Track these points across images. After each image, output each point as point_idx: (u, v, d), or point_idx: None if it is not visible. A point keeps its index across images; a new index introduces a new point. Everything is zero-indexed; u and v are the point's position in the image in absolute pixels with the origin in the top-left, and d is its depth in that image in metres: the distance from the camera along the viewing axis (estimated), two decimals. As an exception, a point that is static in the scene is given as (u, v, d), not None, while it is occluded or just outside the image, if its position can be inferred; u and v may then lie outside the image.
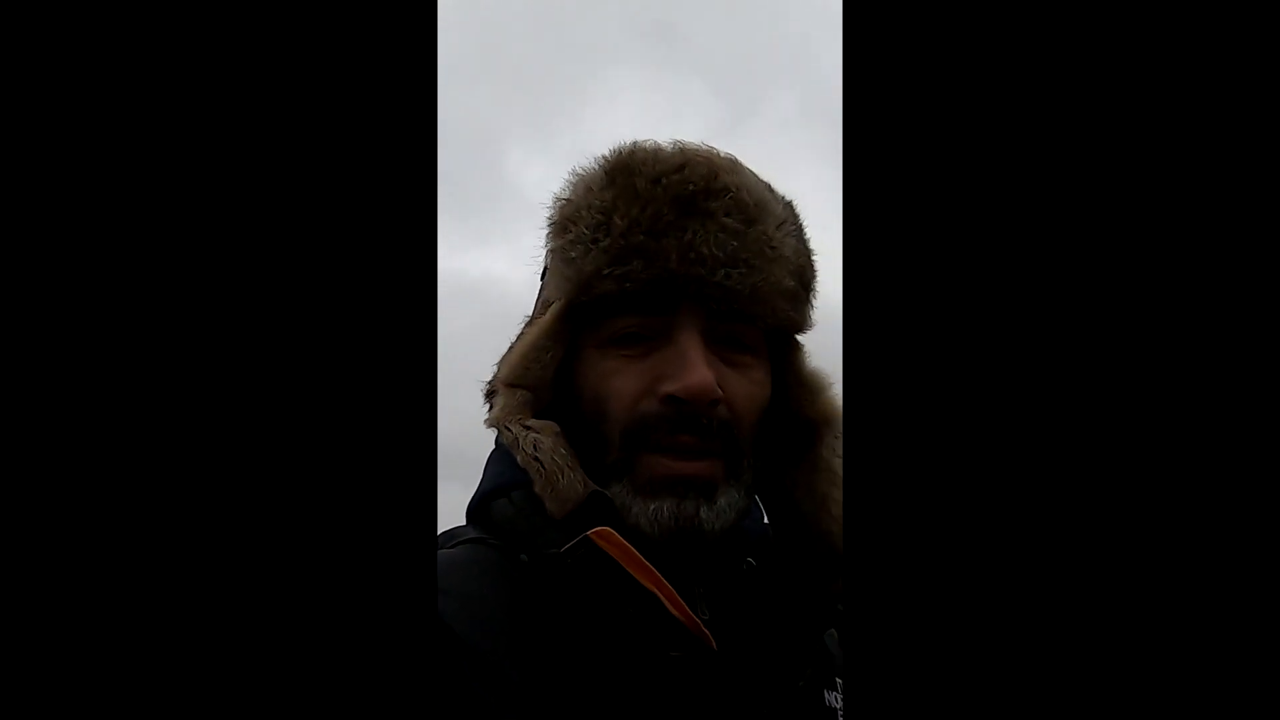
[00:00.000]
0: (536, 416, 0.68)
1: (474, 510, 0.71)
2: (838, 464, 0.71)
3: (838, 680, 0.71)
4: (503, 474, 0.69)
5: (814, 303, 0.73)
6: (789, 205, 0.72)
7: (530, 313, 0.77)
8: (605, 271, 0.65)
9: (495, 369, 0.74)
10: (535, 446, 0.65)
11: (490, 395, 0.73)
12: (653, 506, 0.63)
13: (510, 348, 0.73)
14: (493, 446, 0.73)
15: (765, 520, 0.75)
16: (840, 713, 0.69)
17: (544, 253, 0.74)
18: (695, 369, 0.63)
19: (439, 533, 0.74)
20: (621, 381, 0.65)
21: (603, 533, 0.61)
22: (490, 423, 0.70)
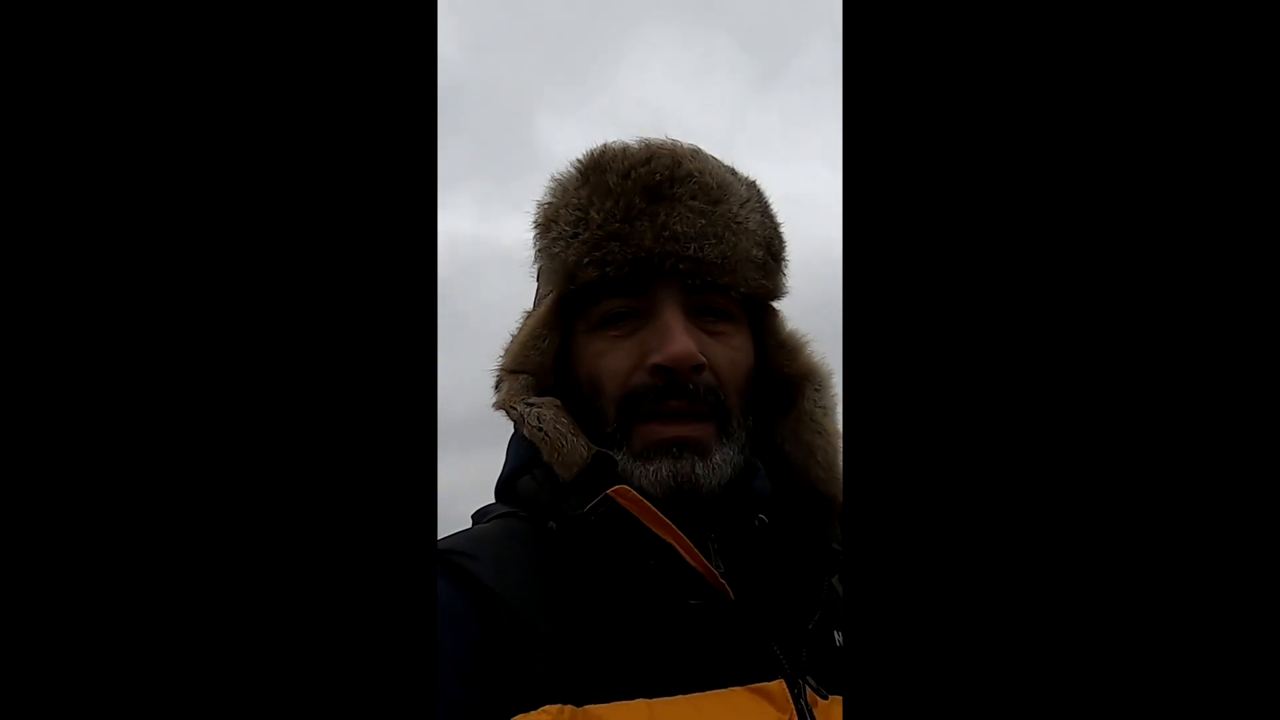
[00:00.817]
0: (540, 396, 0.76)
1: (502, 488, 0.80)
2: (819, 414, 0.77)
3: None
4: (522, 454, 0.76)
5: (785, 272, 0.80)
6: (752, 185, 0.79)
7: (529, 308, 0.85)
8: (586, 260, 0.72)
9: (499, 359, 0.83)
10: (539, 419, 0.73)
11: (498, 383, 0.81)
12: (651, 468, 0.70)
13: (512, 339, 0.81)
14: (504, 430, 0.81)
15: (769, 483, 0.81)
16: None
17: (534, 253, 0.82)
18: (677, 338, 0.70)
19: (474, 511, 0.83)
20: (612, 359, 0.73)
21: (621, 491, 0.67)
22: (497, 405, 0.78)
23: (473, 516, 0.82)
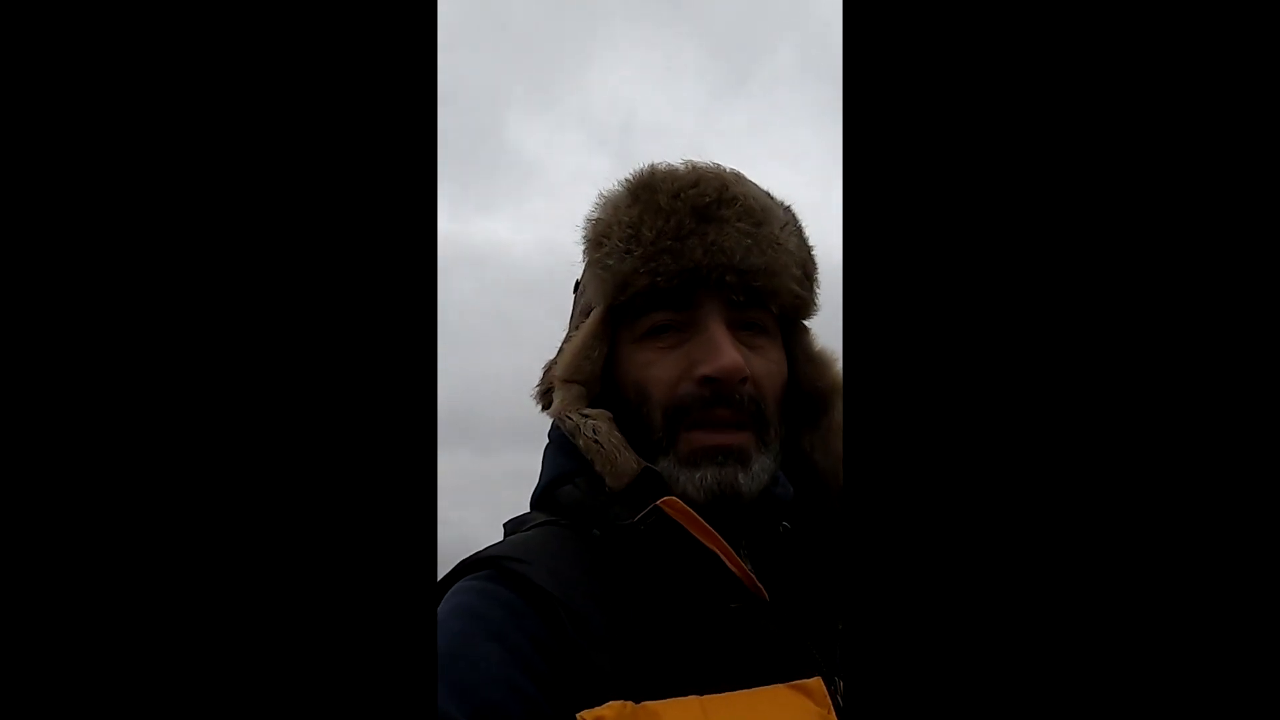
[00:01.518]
0: (590, 406, 0.79)
1: (540, 497, 0.82)
2: None
3: None
4: (562, 463, 0.79)
5: (817, 291, 0.84)
6: (788, 209, 0.84)
7: (570, 321, 0.88)
8: (641, 269, 0.76)
9: (544, 372, 0.85)
10: (595, 431, 0.76)
11: (544, 395, 0.83)
12: (698, 475, 0.73)
13: (560, 351, 0.84)
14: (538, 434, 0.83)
15: (791, 490, 0.85)
16: None
17: (581, 267, 0.85)
18: (725, 352, 0.73)
19: (507, 520, 0.84)
20: (660, 369, 0.76)
21: (670, 501, 0.70)
22: (553, 414, 0.80)
23: (506, 526, 0.84)
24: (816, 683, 0.68)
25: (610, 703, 0.62)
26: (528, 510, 0.84)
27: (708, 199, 0.77)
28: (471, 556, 0.74)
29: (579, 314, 0.86)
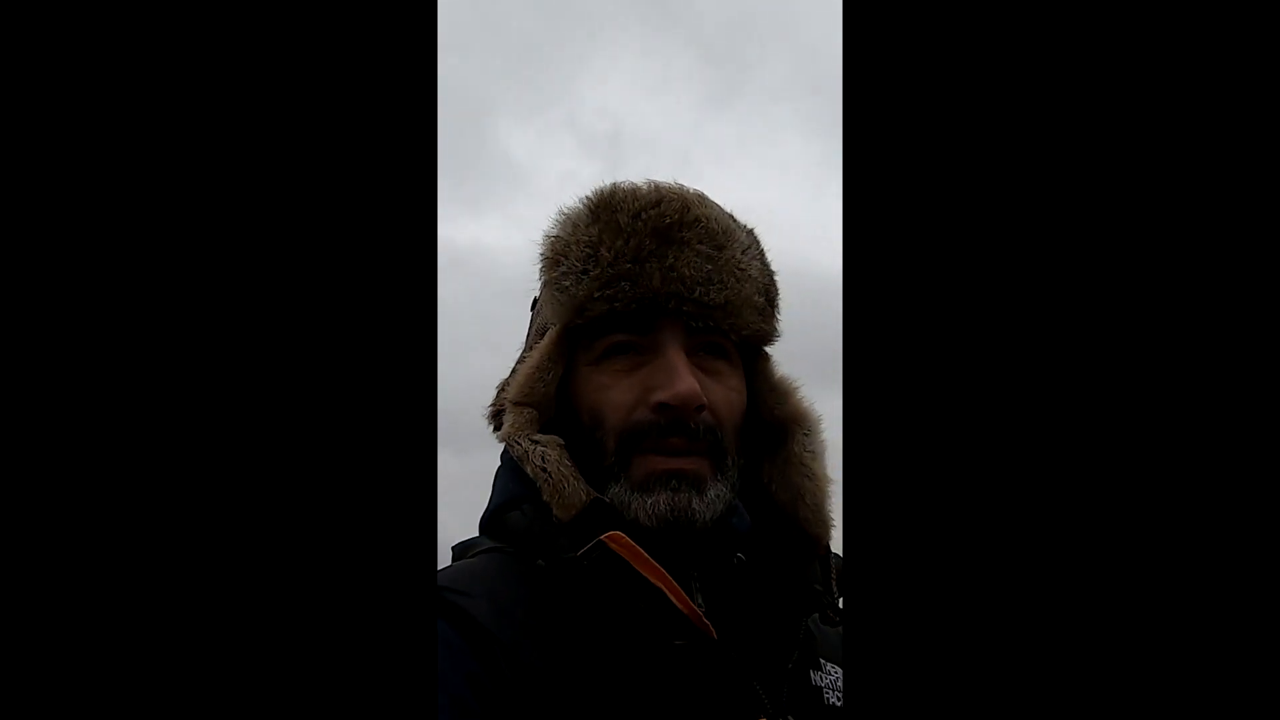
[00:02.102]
0: (541, 431, 0.76)
1: (487, 522, 0.79)
2: (808, 458, 0.80)
3: (821, 661, 0.78)
4: (511, 488, 0.76)
5: (778, 318, 0.82)
6: (750, 233, 0.82)
7: (525, 340, 0.85)
8: (596, 295, 0.73)
9: (497, 392, 0.83)
10: (543, 459, 0.73)
11: (495, 415, 0.81)
12: (650, 500, 0.71)
13: (513, 371, 0.81)
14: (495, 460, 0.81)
15: (749, 521, 0.83)
16: (824, 690, 0.75)
17: (537, 286, 0.82)
18: (682, 378, 0.71)
19: (455, 544, 0.81)
20: (616, 394, 0.74)
21: (614, 536, 0.68)
22: (502, 438, 0.77)
23: (454, 549, 0.81)
24: None
25: None
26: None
27: (669, 220, 0.75)
28: None
29: (534, 333, 0.83)
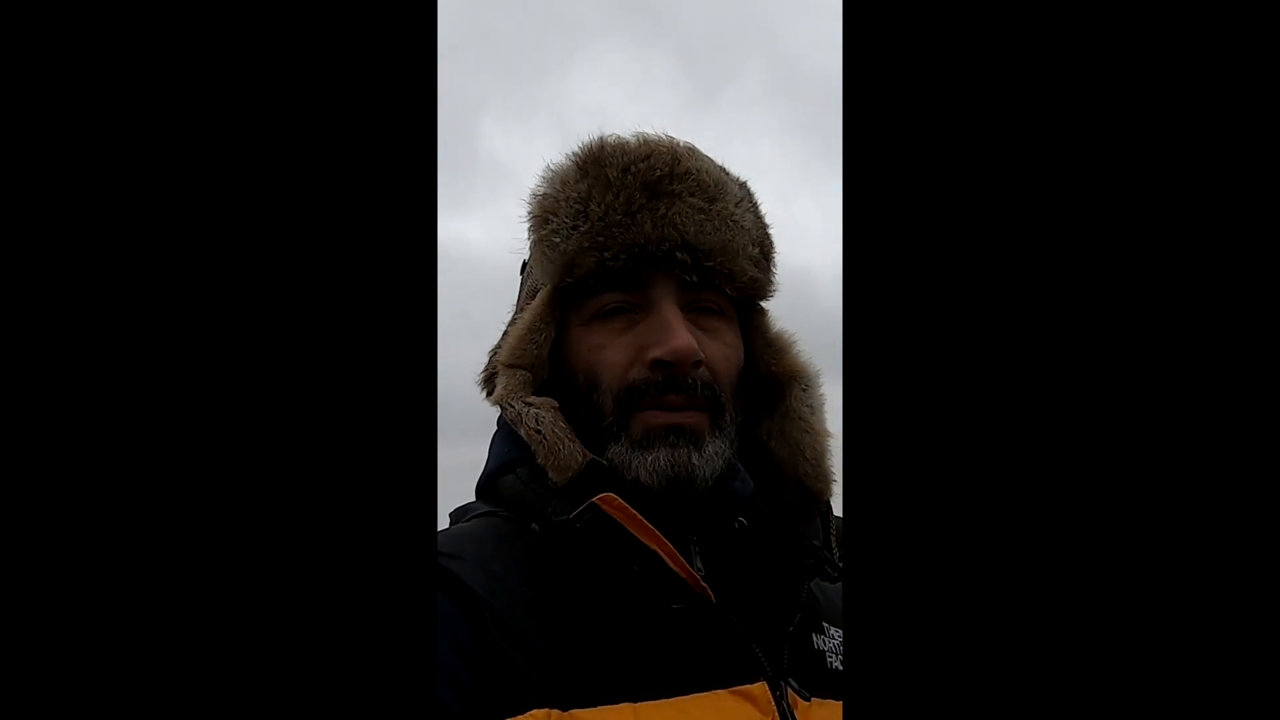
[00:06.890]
0: (535, 393, 0.75)
1: (484, 487, 0.78)
2: (807, 412, 0.78)
3: (824, 624, 0.76)
4: (506, 452, 0.75)
5: (774, 272, 0.81)
6: (743, 185, 0.80)
7: (515, 304, 0.84)
8: (587, 245, 0.71)
9: (489, 356, 0.81)
10: (537, 421, 0.71)
11: (489, 379, 0.79)
12: (650, 457, 0.69)
13: (504, 334, 0.79)
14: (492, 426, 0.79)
15: (751, 485, 0.81)
16: (826, 654, 0.75)
17: (526, 245, 0.81)
18: (678, 334, 0.69)
19: (452, 510, 0.80)
20: (611, 353, 0.72)
21: (607, 498, 0.66)
22: (495, 401, 0.76)
23: (451, 515, 0.80)
24: (760, 688, 0.66)
25: (533, 712, 0.59)
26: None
27: (659, 173, 0.73)
28: None
29: (525, 295, 0.81)
